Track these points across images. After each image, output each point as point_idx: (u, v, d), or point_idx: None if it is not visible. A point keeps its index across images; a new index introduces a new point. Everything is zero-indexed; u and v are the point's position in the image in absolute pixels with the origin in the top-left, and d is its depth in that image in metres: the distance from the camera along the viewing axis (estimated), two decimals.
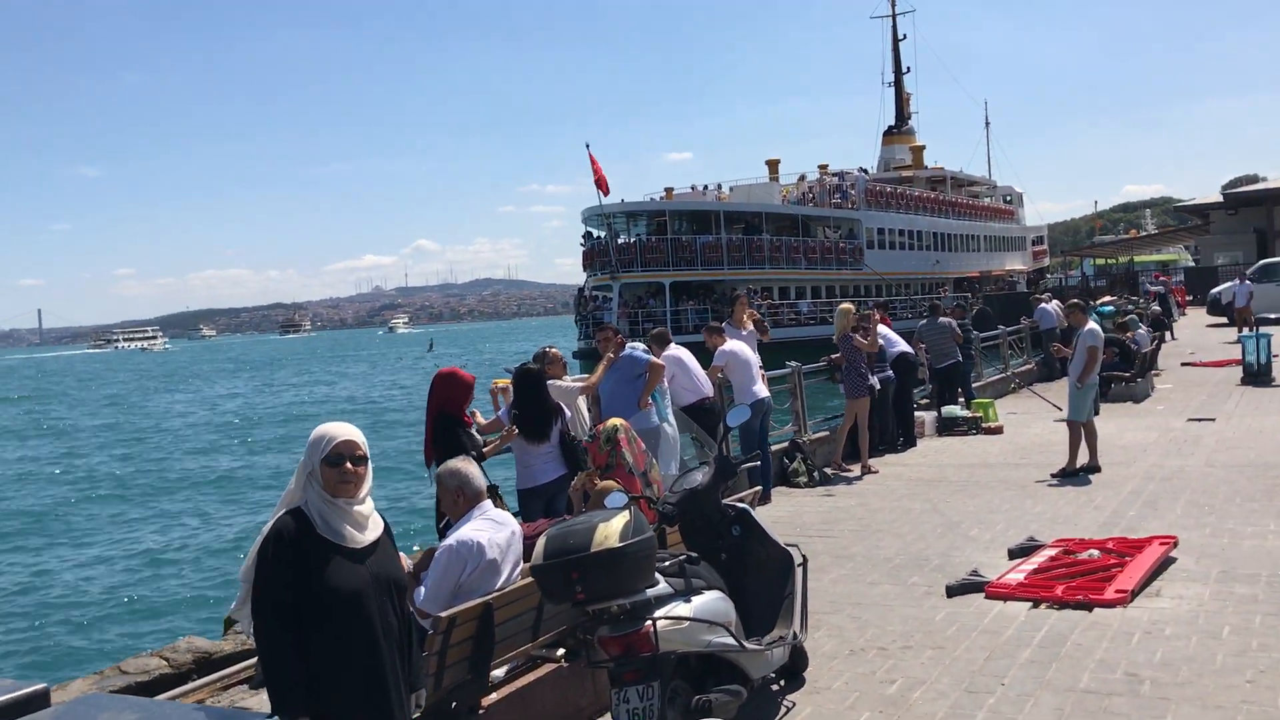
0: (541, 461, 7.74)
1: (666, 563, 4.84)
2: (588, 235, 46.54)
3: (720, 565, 5.41)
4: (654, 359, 8.93)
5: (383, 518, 3.69)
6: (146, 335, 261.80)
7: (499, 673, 5.22)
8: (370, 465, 3.59)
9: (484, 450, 7.76)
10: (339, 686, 3.43)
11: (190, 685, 6.17)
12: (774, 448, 11.82)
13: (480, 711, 4.82)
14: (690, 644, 4.62)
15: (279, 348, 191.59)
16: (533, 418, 7.68)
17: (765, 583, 5.53)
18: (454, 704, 4.75)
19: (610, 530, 4.35)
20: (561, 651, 5.45)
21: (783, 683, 5.73)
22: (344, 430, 3.56)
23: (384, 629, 3.51)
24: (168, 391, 70.07)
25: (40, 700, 3.55)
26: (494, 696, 4.95)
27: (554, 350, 8.74)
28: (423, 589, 4.74)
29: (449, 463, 5.00)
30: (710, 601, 4.83)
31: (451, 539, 4.78)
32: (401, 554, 4.88)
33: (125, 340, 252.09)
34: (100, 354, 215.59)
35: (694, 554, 5.04)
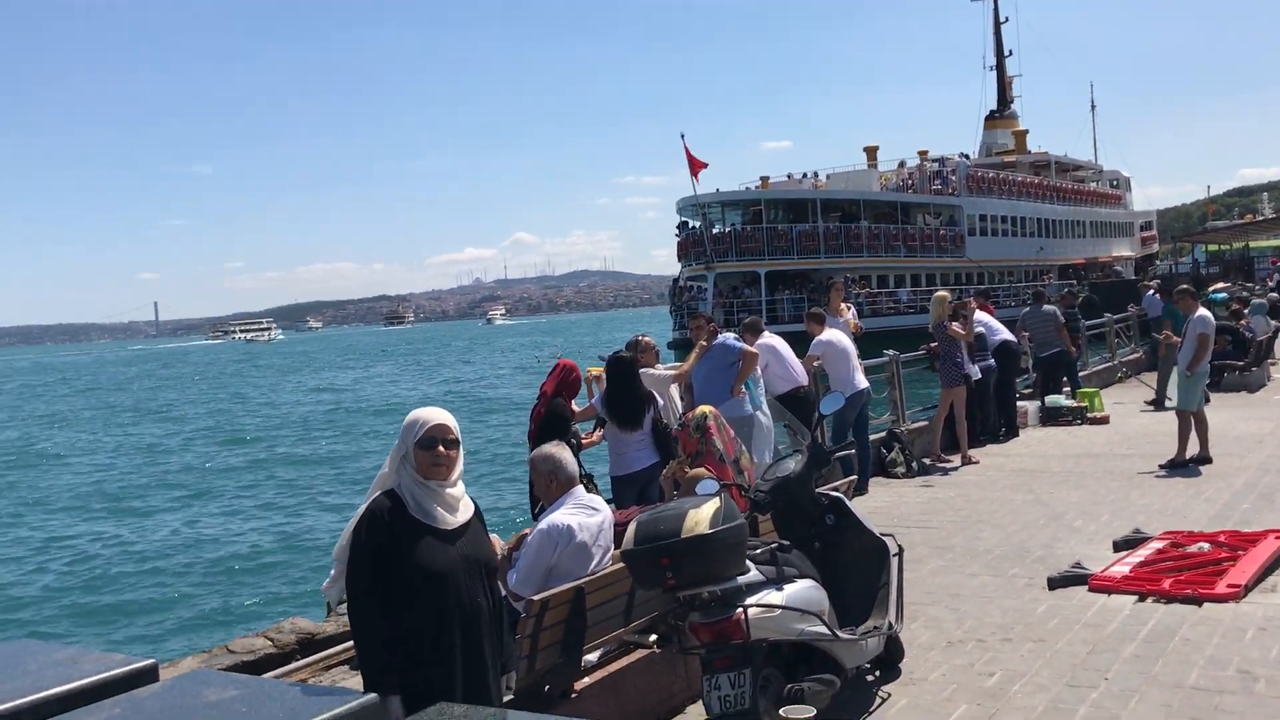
0: (634, 449, 7.76)
1: (758, 550, 4.81)
2: (683, 225, 46.48)
3: (814, 554, 5.35)
4: (747, 347, 8.87)
5: (474, 501, 3.75)
6: (261, 327, 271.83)
7: (591, 657, 5.25)
8: (462, 449, 3.67)
9: (582, 440, 7.83)
10: (430, 665, 3.48)
11: (293, 665, 6.33)
12: (872, 438, 11.65)
13: (573, 695, 4.85)
14: (782, 632, 4.58)
15: (384, 338, 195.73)
16: (625, 405, 7.70)
17: (860, 572, 5.45)
18: (547, 687, 4.78)
19: (701, 516, 4.33)
20: (654, 637, 5.47)
21: (878, 673, 5.65)
22: (436, 415, 3.64)
23: (474, 609, 3.57)
24: (319, 374, 72.10)
25: (149, 675, 3.66)
26: (586, 680, 4.98)
27: (646, 339, 8.75)
28: (514, 572, 4.78)
29: (543, 448, 5.03)
30: (803, 590, 4.78)
31: (544, 523, 4.80)
32: (495, 537, 4.94)
33: (241, 332, 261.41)
34: (218, 345, 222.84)
35: (786, 542, 4.99)
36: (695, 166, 37.44)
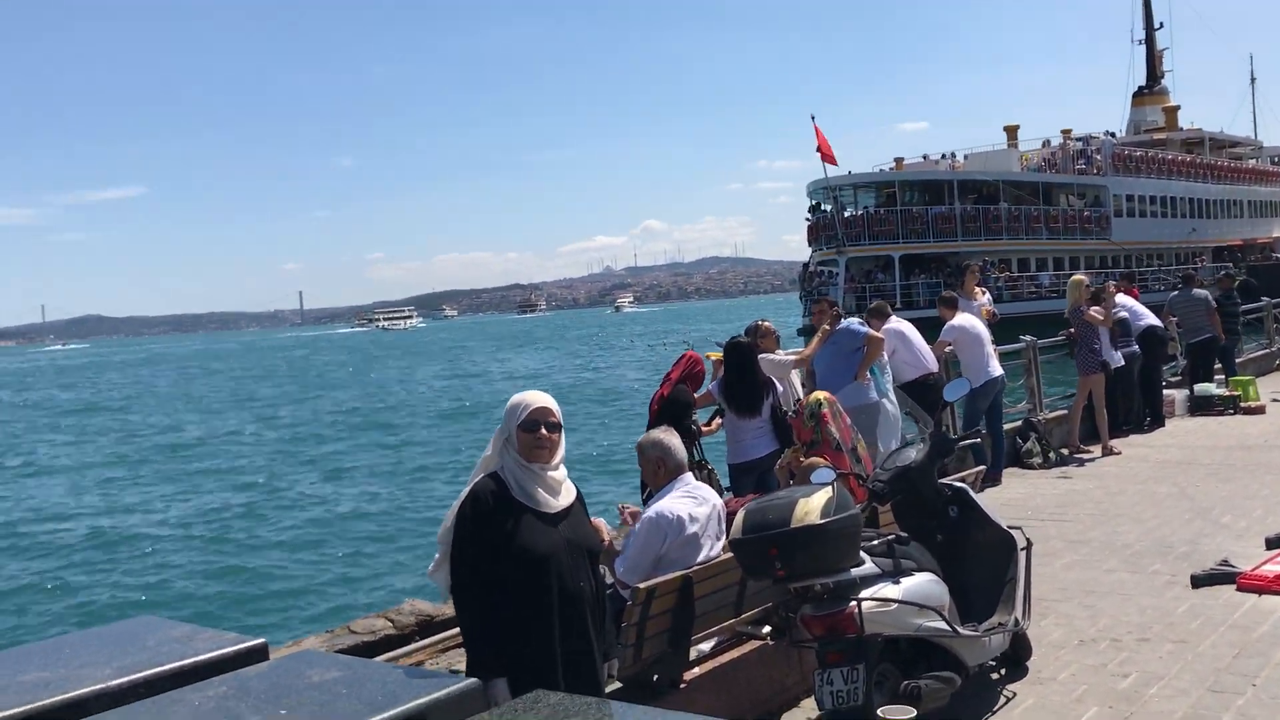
0: (752, 436, 7.64)
1: (875, 542, 4.66)
2: (813, 209, 45.88)
3: (936, 547, 5.16)
4: (872, 331, 8.64)
5: (576, 485, 3.73)
6: (404, 315, 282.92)
7: (704, 647, 5.17)
8: (564, 433, 3.65)
9: (700, 428, 7.75)
10: (533, 648, 3.47)
11: (412, 646, 6.42)
12: (1006, 427, 11.26)
13: (681, 685, 4.78)
14: (898, 627, 4.43)
15: (517, 326, 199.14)
16: (742, 391, 7.59)
17: (985, 566, 5.24)
18: (655, 677, 4.73)
19: (811, 506, 4.21)
20: (768, 629, 5.36)
21: (1003, 671, 5.43)
22: (539, 398, 3.64)
23: (576, 593, 3.56)
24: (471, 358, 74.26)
25: (259, 654, 3.74)
26: (696, 671, 4.91)
27: (766, 324, 8.60)
28: (622, 560, 4.73)
29: (651, 433, 4.97)
30: (921, 584, 4.61)
31: (651, 510, 4.74)
32: (600, 521, 4.90)
33: (386, 320, 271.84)
34: (364, 332, 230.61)
35: (904, 534, 4.82)
36: (826, 149, 36.87)
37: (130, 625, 4.54)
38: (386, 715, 3.02)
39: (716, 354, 8.21)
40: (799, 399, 7.38)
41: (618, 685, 4.83)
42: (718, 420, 8.07)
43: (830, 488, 4.34)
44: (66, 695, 3.28)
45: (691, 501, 4.81)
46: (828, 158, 37.60)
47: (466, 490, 3.60)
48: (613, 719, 2.89)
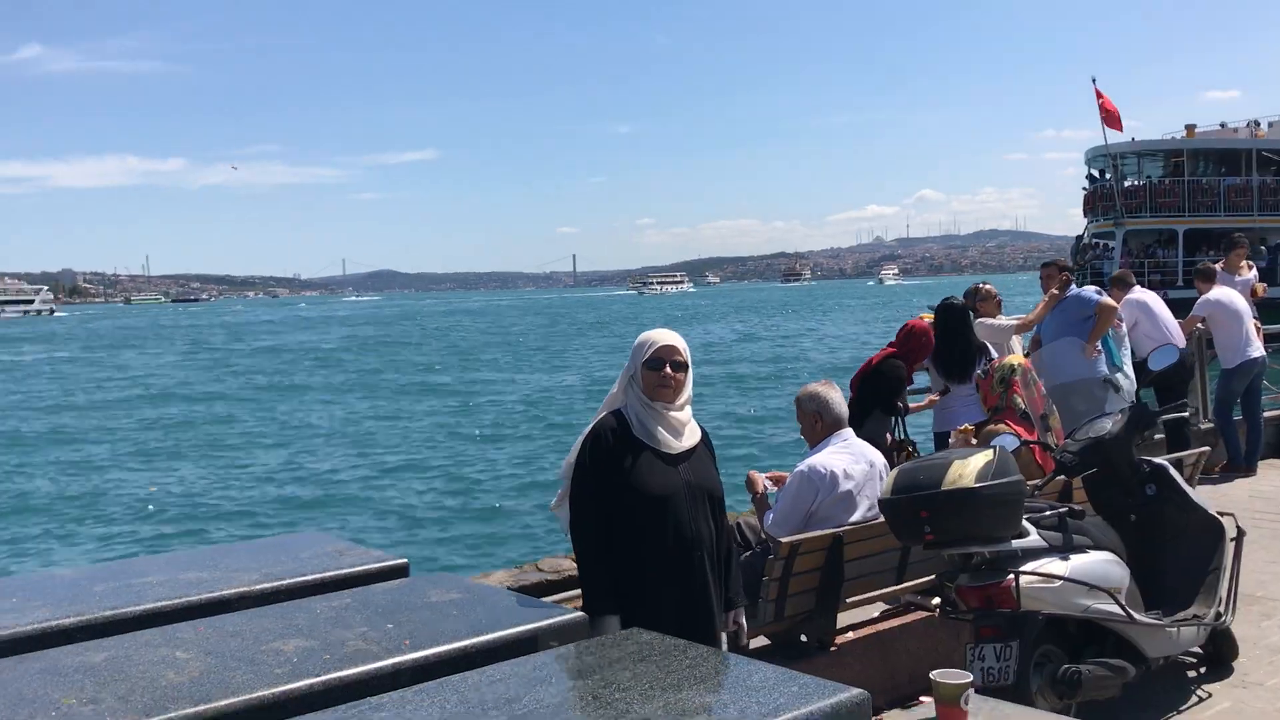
0: (961, 403, 7.24)
1: (1045, 514, 4.32)
2: (1091, 177, 43.04)
3: (1129, 528, 4.75)
4: (1105, 299, 7.99)
5: (702, 428, 3.64)
6: (675, 280, 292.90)
7: (870, 613, 4.99)
8: (691, 373, 3.56)
9: (910, 406, 7.29)
10: (650, 589, 3.42)
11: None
12: (1267, 414, 10.20)
13: (833, 648, 4.62)
14: (1061, 606, 4.10)
15: (779, 295, 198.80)
16: (952, 355, 7.20)
17: (1184, 553, 4.77)
18: (803, 636, 4.60)
19: (966, 469, 3.93)
20: (938, 601, 5.09)
21: (1203, 670, 4.94)
22: (666, 336, 3.56)
23: (695, 536, 3.47)
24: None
25: (399, 572, 3.90)
26: (850, 636, 4.73)
27: (988, 286, 8.14)
28: (771, 513, 4.60)
29: (810, 386, 4.80)
30: (1094, 563, 4.24)
31: (804, 465, 4.59)
32: (754, 473, 4.78)
33: (658, 284, 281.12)
34: (636, 296, 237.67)
35: (1078, 507, 4.43)
36: (1111, 110, 34.46)
37: (295, 538, 4.84)
38: (482, 638, 3.09)
39: (928, 316, 7.84)
40: (990, 359, 6.91)
41: (764, 643, 4.74)
42: (931, 397, 7.59)
43: (992, 451, 4.04)
44: (213, 594, 3.54)
45: (848, 458, 4.61)
46: (1111, 121, 35.14)
47: (589, 427, 3.57)
48: (697, 662, 2.82)
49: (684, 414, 3.56)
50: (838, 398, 4.73)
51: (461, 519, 16.08)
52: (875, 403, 6.66)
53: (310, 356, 56.82)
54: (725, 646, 3.61)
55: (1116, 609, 4.18)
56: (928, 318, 7.92)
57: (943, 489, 3.91)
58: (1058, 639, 4.22)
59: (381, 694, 2.69)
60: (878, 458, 4.75)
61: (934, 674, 2.27)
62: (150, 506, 17.73)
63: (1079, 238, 44.20)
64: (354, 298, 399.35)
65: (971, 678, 2.25)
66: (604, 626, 3.39)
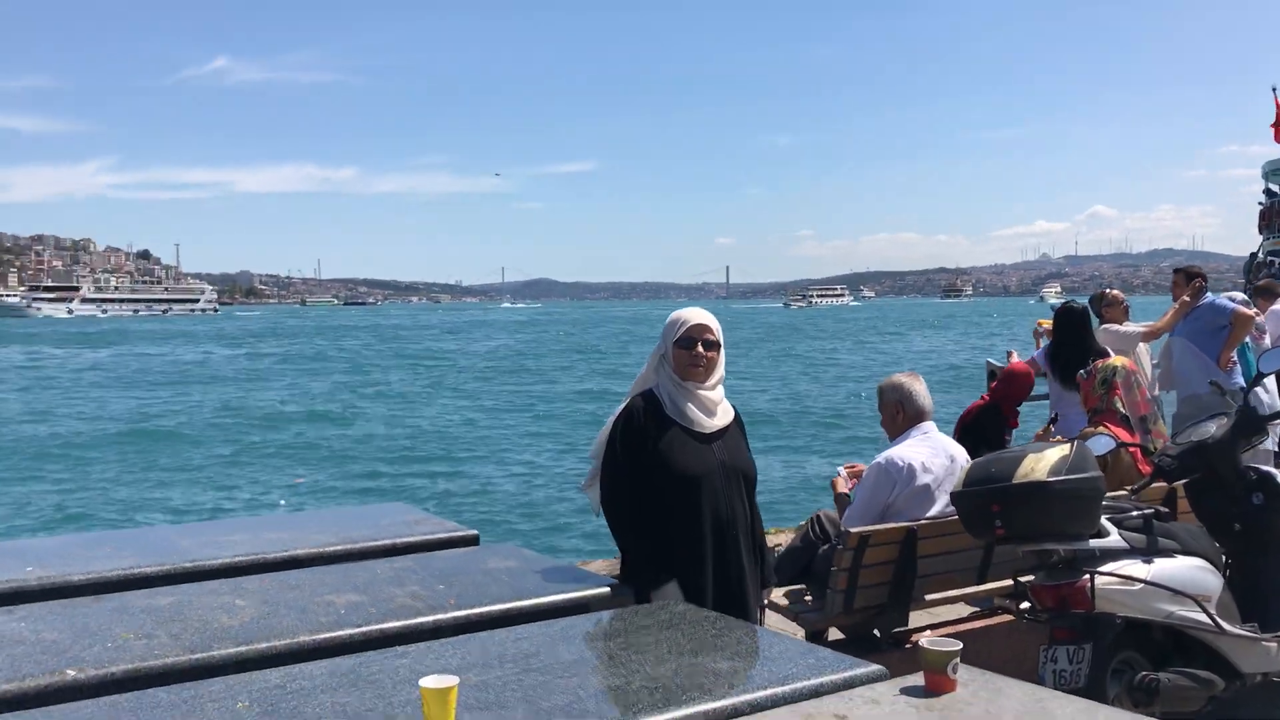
0: (1077, 410, 6.99)
1: (1131, 514, 4.16)
2: (1269, 192, 40.69)
3: (1233, 537, 4.53)
4: (1240, 308, 7.60)
5: (734, 408, 3.60)
6: (835, 293, 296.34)
7: (958, 614, 4.89)
8: (723, 352, 3.52)
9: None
10: (687, 567, 3.40)
11: None
12: None
13: (908, 645, 4.54)
14: (1141, 610, 3.93)
15: (934, 310, 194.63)
16: (1069, 359, 6.95)
17: None
18: (876, 631, 4.54)
19: (1040, 463, 3.82)
20: (1026, 605, 4.94)
21: None
22: (698, 315, 3.52)
23: (729, 516, 3.44)
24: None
25: (470, 542, 4.04)
26: (928, 634, 4.62)
27: (1114, 293, 7.86)
28: (850, 507, 4.56)
29: (894, 376, 4.73)
30: (1180, 568, 4.06)
31: (882, 457, 4.52)
32: (839, 479, 4.73)
33: (817, 297, 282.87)
34: (783, 310, 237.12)
35: (1164, 509, 4.25)
36: None
37: (378, 508, 5.04)
38: (525, 602, 3.18)
39: (1047, 321, 7.60)
40: (1153, 380, 6.59)
41: (840, 637, 4.70)
42: (1039, 430, 7.29)
43: (1069, 446, 3.92)
44: (287, 553, 3.73)
45: (928, 451, 4.53)
46: None
47: (621, 407, 3.55)
48: (722, 632, 2.84)
49: (716, 393, 3.51)
50: (922, 390, 4.65)
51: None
52: (974, 440, 6.48)
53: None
54: (763, 622, 3.59)
55: (1203, 617, 3.99)
56: (1047, 323, 7.69)
57: (1014, 482, 3.81)
58: (1141, 647, 4.06)
59: (411, 644, 2.80)
60: (960, 453, 4.65)
61: (922, 641, 2.23)
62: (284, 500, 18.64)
63: (1253, 254, 41.87)
64: (512, 304, 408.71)
65: (960, 646, 2.21)
66: (665, 594, 3.39)
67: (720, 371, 3.52)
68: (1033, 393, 7.31)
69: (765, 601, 3.69)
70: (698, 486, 3.40)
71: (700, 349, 3.45)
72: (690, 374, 3.46)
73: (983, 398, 7.09)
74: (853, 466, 4.88)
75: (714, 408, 3.50)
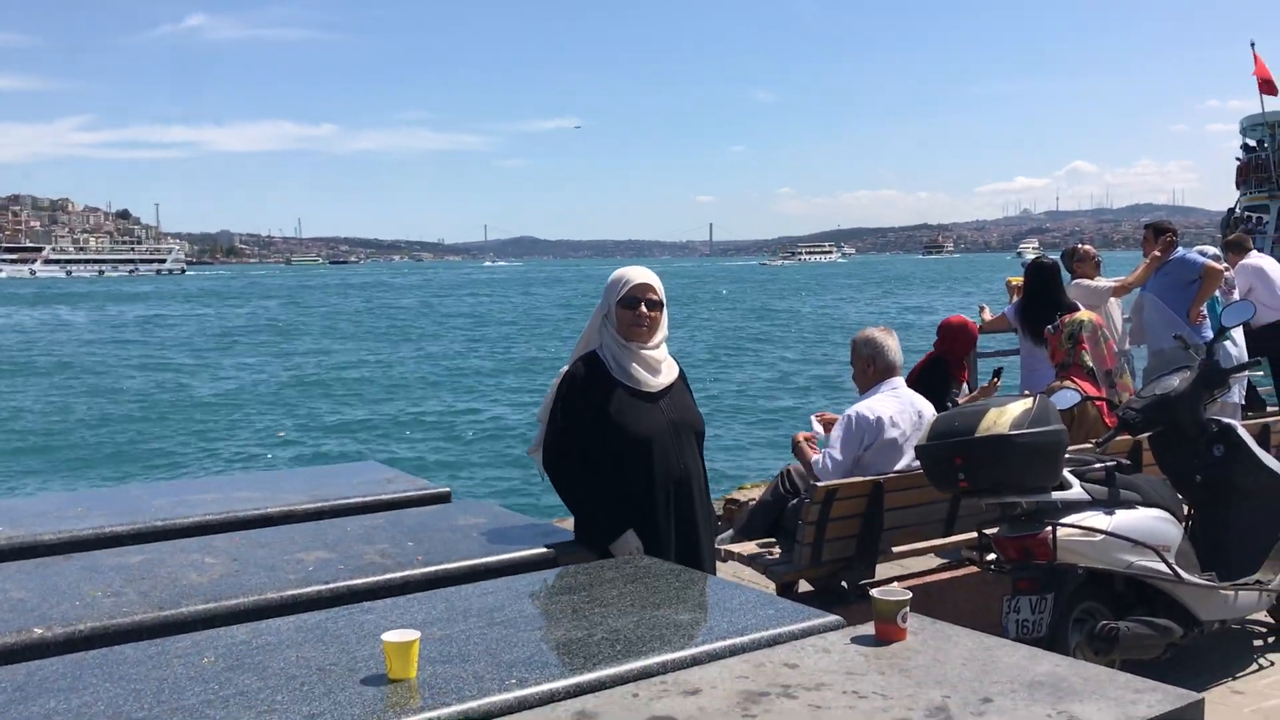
0: (1046, 365, 7.05)
1: (1093, 466, 4.21)
2: (1246, 147, 40.71)
3: (1194, 489, 4.60)
4: (1210, 263, 7.64)
5: (678, 363, 3.59)
6: (824, 249, 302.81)
7: (917, 565, 4.95)
8: (665, 312, 3.49)
9: (959, 401, 7.03)
10: (644, 525, 3.39)
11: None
12: None
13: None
14: (1101, 561, 3.99)
15: (916, 267, 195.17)
16: (1040, 315, 6.99)
17: (1251, 517, 4.58)
18: (843, 584, 4.59)
19: (1003, 416, 3.86)
20: (993, 556, 5.01)
21: (1271, 639, 4.76)
22: (640, 274, 3.48)
23: (683, 473, 3.45)
24: None
25: (441, 499, 4.06)
26: (895, 585, 4.69)
27: (1086, 248, 7.89)
28: (819, 457, 4.59)
29: (867, 330, 4.75)
30: (1140, 519, 4.12)
31: (851, 410, 4.56)
32: (816, 425, 4.76)
33: (806, 254, 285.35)
34: (759, 268, 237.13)
35: (1126, 461, 4.31)
36: (1265, 76, 32.59)
37: (352, 467, 5.06)
38: (493, 558, 3.21)
39: (1017, 278, 7.64)
40: (1125, 333, 6.58)
41: (808, 589, 4.76)
42: (995, 381, 7.24)
43: (1031, 399, 3.96)
44: (258, 511, 3.75)
45: (896, 405, 4.58)
46: (1267, 88, 33.21)
47: (564, 369, 3.54)
48: (686, 585, 2.88)
49: (660, 352, 3.49)
50: (894, 344, 4.68)
51: None
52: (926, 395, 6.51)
53: None
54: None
55: (1163, 567, 4.06)
56: (1017, 280, 7.72)
57: (977, 435, 3.85)
58: (1103, 597, 4.12)
59: (378, 599, 2.83)
60: (927, 408, 4.69)
61: (873, 591, 2.27)
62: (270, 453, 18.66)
63: (1230, 210, 42.00)
64: (499, 263, 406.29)
65: (909, 595, 2.25)
66: (624, 546, 3.41)
67: (664, 331, 3.50)
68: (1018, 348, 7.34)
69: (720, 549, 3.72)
70: (648, 446, 3.38)
71: (644, 309, 3.42)
72: (633, 334, 3.44)
73: (932, 350, 7.05)
74: (824, 416, 4.90)
75: (658, 366, 3.48)
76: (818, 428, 4.83)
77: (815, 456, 4.62)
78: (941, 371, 6.46)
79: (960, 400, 6.27)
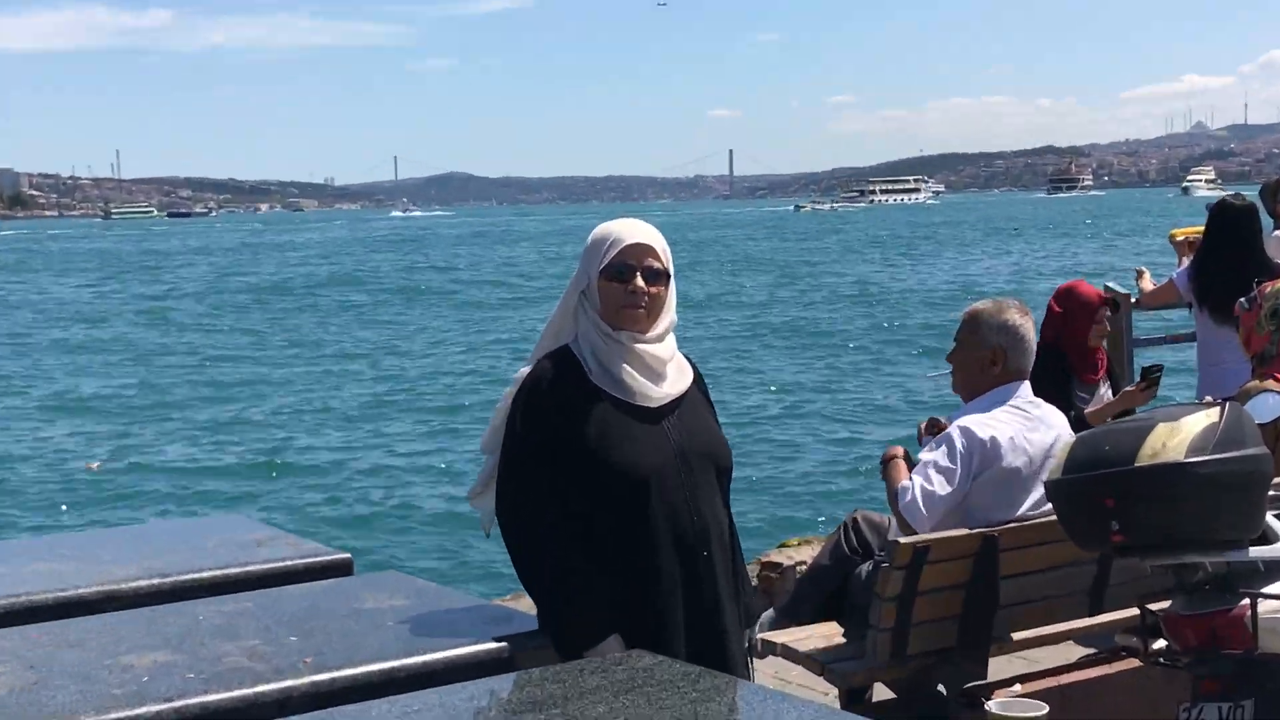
0: (1237, 356, 7.07)
1: None
2: None
3: None
4: None
5: (692, 364, 3.51)
6: (908, 187, 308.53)
7: (1063, 659, 5.00)
8: (673, 286, 3.42)
9: (1088, 412, 6.74)
10: (639, 608, 3.31)
11: None
12: None
13: (987, 706, 4.61)
14: None
15: (1034, 210, 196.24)
16: (1226, 279, 6.99)
17: None
18: (940, 687, 4.63)
19: (1176, 435, 3.85)
20: (1161, 644, 5.04)
21: None
22: (635, 229, 3.41)
23: (699, 528, 3.35)
24: None
25: (339, 570, 4.10)
26: (1018, 689, 4.73)
27: None
28: (906, 483, 4.59)
29: (1000, 305, 4.78)
30: None
31: (959, 421, 4.59)
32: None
33: (881, 193, 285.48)
34: (792, 214, 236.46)
35: None
36: None
37: (206, 522, 5.10)
38: (416, 659, 3.22)
39: (1187, 230, 7.68)
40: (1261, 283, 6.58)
41: (889, 696, 4.79)
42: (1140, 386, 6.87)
43: (1218, 410, 3.97)
44: (67, 593, 3.78)
45: (1022, 421, 4.62)
46: None
47: (522, 373, 3.43)
48: (707, 696, 2.87)
49: (664, 347, 3.40)
50: (1030, 334, 4.75)
51: None
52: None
53: None
54: (752, 677, 3.62)
55: None
56: (1184, 232, 7.76)
57: (1137, 464, 3.85)
58: None
59: None
60: (1064, 427, 4.72)
61: (990, 705, 2.27)
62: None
63: None
64: (408, 211, 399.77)
65: (1045, 710, 2.25)
66: (602, 650, 3.35)
67: (671, 314, 3.42)
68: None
69: (752, 645, 3.70)
70: (645, 488, 3.29)
71: (640, 281, 3.31)
72: (625, 319, 3.32)
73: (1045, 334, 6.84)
74: (939, 423, 4.88)
75: (661, 368, 3.39)
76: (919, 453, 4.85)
77: (904, 483, 4.61)
78: (1058, 365, 6.26)
79: (1091, 410, 6.23)
